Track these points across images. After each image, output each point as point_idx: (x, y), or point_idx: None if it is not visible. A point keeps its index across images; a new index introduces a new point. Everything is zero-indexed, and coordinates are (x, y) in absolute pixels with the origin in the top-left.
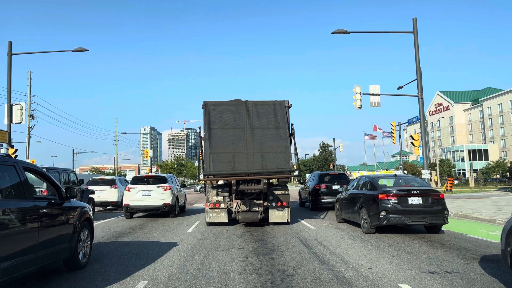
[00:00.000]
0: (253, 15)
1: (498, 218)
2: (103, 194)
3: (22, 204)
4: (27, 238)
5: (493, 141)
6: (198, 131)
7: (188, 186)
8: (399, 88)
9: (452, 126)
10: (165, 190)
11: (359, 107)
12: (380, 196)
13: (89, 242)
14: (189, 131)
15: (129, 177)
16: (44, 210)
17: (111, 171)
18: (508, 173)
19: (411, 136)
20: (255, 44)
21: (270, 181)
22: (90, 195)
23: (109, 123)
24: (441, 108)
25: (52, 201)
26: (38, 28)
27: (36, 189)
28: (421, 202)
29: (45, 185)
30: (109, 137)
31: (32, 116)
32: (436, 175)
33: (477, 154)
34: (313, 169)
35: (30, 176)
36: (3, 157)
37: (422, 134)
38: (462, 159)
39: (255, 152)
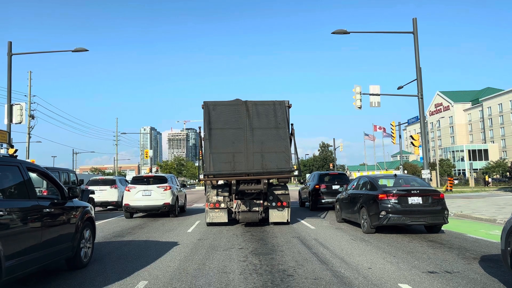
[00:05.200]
0: (253, 16)
1: (498, 218)
2: (103, 194)
3: (26, 203)
4: (30, 237)
5: (493, 141)
6: (198, 131)
7: (188, 186)
8: (399, 88)
9: (452, 126)
10: (165, 190)
11: (359, 107)
12: (380, 196)
13: (91, 242)
14: (189, 131)
15: (129, 177)
16: (47, 209)
17: (111, 171)
18: (508, 173)
19: (411, 136)
20: (255, 44)
21: (270, 181)
22: (90, 195)
23: (109, 123)
24: (441, 108)
25: (55, 200)
26: (38, 28)
27: (36, 188)
28: (421, 202)
29: (45, 185)
30: (109, 137)
31: (32, 116)
32: (436, 176)
33: (477, 154)
34: (313, 169)
35: (31, 176)
36: (8, 158)
37: (422, 134)
38: (462, 159)
39: (255, 152)
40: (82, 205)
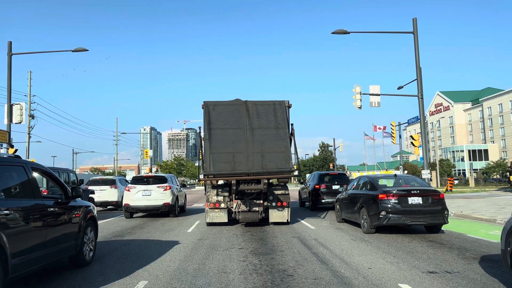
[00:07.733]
0: (253, 16)
1: (498, 218)
2: (103, 194)
3: (31, 203)
4: (35, 235)
5: (493, 141)
6: (198, 131)
7: (188, 186)
8: (399, 88)
9: (452, 126)
10: (165, 190)
11: (359, 107)
12: (380, 196)
13: (93, 240)
14: (189, 131)
15: (129, 177)
16: (51, 209)
17: (111, 171)
18: (508, 173)
19: (411, 136)
20: (255, 44)
21: (270, 181)
22: (90, 195)
23: (109, 123)
24: (441, 108)
25: (59, 200)
26: (38, 28)
27: None
28: (421, 202)
29: (44, 184)
30: (109, 137)
31: (32, 116)
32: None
33: (477, 154)
34: (313, 169)
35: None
36: (13, 158)
37: (422, 134)
38: (462, 159)
39: (255, 152)
40: (85, 204)
